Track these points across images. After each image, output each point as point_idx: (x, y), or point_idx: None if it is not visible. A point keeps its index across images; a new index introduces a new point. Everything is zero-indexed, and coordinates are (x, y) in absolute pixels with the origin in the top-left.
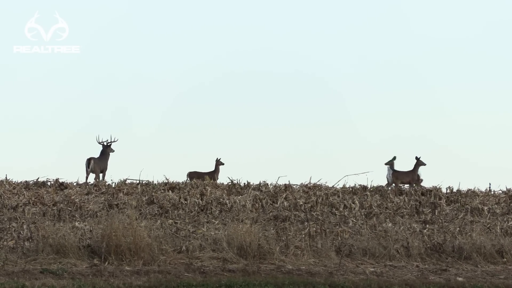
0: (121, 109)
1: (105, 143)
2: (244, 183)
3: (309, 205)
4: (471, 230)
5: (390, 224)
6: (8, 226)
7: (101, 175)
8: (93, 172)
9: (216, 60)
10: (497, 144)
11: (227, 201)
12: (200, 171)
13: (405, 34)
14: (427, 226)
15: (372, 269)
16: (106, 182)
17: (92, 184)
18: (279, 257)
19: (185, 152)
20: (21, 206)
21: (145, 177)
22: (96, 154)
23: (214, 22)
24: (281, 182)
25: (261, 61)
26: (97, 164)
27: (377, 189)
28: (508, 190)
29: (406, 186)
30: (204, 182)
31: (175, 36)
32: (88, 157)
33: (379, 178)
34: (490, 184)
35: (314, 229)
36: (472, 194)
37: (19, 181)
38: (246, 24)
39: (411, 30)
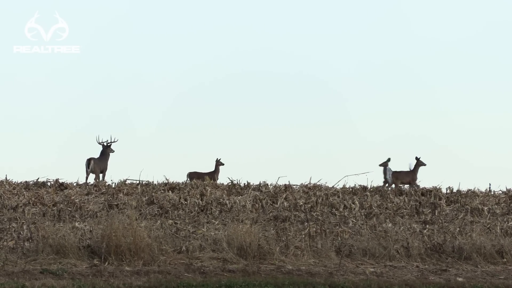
0: (121, 109)
1: (105, 144)
2: (244, 184)
3: (309, 205)
4: (471, 230)
5: (390, 225)
6: (8, 227)
7: (101, 175)
8: (93, 173)
9: (216, 60)
10: (497, 144)
11: (227, 202)
12: (200, 171)
13: (405, 35)
14: (427, 226)
15: (372, 269)
16: (106, 182)
17: (92, 185)
18: (279, 258)
19: (185, 152)
20: (21, 206)
21: (145, 178)
22: (96, 154)
23: (214, 22)
24: (281, 182)
25: (261, 61)
26: (97, 165)
27: (377, 189)
28: (508, 190)
29: (406, 186)
30: (204, 182)
31: (175, 36)
32: (88, 158)
33: (379, 178)
34: (490, 184)
35: (314, 229)
36: (472, 194)
37: (19, 182)
38: (246, 24)
39: (411, 30)
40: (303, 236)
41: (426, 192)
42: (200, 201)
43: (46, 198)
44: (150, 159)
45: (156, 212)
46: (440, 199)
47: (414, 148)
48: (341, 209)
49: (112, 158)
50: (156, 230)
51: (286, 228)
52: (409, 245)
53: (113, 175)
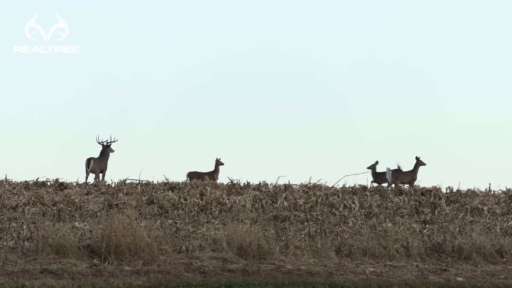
0: (121, 109)
1: (105, 143)
2: (244, 183)
3: (309, 205)
4: (471, 230)
5: (390, 224)
6: (8, 226)
7: (101, 175)
8: (93, 172)
9: (216, 60)
10: (497, 144)
11: (227, 201)
12: (200, 171)
13: (405, 35)
14: (427, 226)
15: (372, 269)
16: (106, 182)
17: (92, 184)
18: (279, 257)
19: (185, 152)
20: (21, 206)
21: (145, 177)
22: (96, 154)
23: (214, 22)
24: (281, 182)
25: (261, 61)
26: (97, 164)
27: (377, 189)
28: (508, 190)
29: (406, 186)
30: (204, 182)
31: (175, 36)
32: (88, 157)
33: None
34: (490, 184)
35: (314, 229)
36: (472, 194)
37: (19, 181)
38: (246, 24)
39: (411, 31)
40: (303, 235)
41: (426, 192)
42: (200, 201)
43: (46, 198)
44: (150, 158)
45: (156, 211)
46: (440, 198)
47: (414, 148)
48: (341, 209)
49: (112, 158)
50: (156, 230)
51: (286, 227)
52: (409, 245)
53: (113, 174)
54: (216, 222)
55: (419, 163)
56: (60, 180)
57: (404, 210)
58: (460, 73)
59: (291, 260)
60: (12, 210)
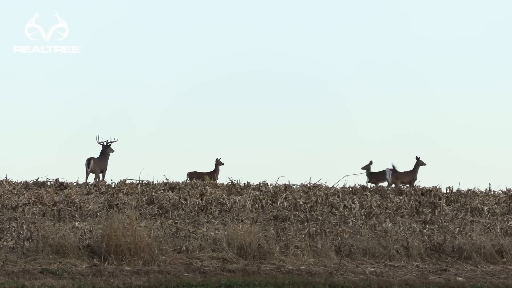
0: (121, 109)
1: (105, 143)
2: (244, 183)
3: (309, 205)
4: (471, 230)
5: (390, 224)
6: (8, 226)
7: (101, 175)
8: (93, 172)
9: (216, 60)
10: (497, 144)
11: (227, 201)
12: (200, 171)
13: (404, 35)
14: (427, 226)
15: (372, 269)
16: (106, 182)
17: (92, 184)
18: (279, 257)
19: (185, 152)
20: (21, 206)
21: (145, 177)
22: (96, 154)
23: (214, 22)
24: (281, 182)
25: (261, 61)
26: (97, 164)
27: (377, 189)
28: (508, 190)
29: (406, 186)
30: (204, 182)
31: (175, 36)
32: (88, 157)
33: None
34: (490, 184)
35: (314, 229)
36: (472, 194)
37: (19, 181)
38: (246, 25)
39: (410, 31)
40: (303, 236)
41: (426, 192)
42: (200, 201)
43: (46, 198)
44: (150, 159)
45: (156, 211)
46: (440, 198)
47: (414, 148)
48: (341, 209)
49: (112, 158)
50: (156, 230)
51: (286, 228)
52: (409, 245)
53: (113, 175)
54: (216, 222)
55: (419, 163)
56: (60, 180)
57: (404, 210)
58: (460, 73)
59: (291, 260)
60: (12, 210)
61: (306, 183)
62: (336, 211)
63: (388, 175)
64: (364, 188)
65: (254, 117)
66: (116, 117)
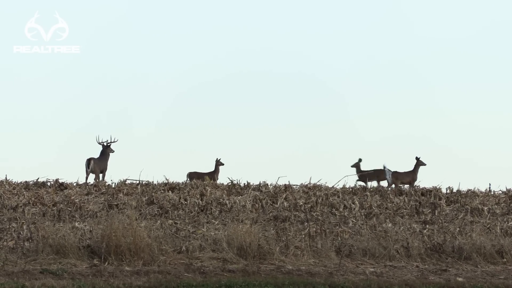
0: (120, 109)
1: (105, 144)
2: (244, 183)
3: (309, 205)
4: (471, 230)
5: (390, 225)
6: (8, 227)
7: (101, 175)
8: (93, 173)
9: (216, 60)
10: (497, 144)
11: (227, 202)
12: (200, 171)
13: (405, 35)
14: (427, 226)
15: (372, 269)
16: (106, 182)
17: (92, 185)
18: (279, 257)
19: (185, 152)
20: (21, 206)
21: (145, 178)
22: (96, 154)
23: (214, 22)
24: (281, 182)
25: (261, 61)
26: (97, 165)
27: (377, 190)
28: (508, 190)
29: (406, 186)
30: (204, 182)
31: (175, 36)
32: (88, 157)
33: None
34: (490, 184)
35: (314, 229)
36: (472, 194)
37: (19, 181)
38: (246, 24)
39: (411, 30)
40: (303, 236)
41: (426, 192)
42: (200, 201)
43: (46, 198)
44: (150, 159)
45: (156, 212)
46: (440, 199)
47: (414, 148)
48: (341, 209)
49: (112, 158)
50: (156, 230)
51: (286, 228)
52: (409, 245)
53: (113, 175)
54: (216, 222)
55: (419, 163)
56: (60, 180)
57: (404, 210)
58: (460, 73)
59: (291, 261)
60: (12, 210)
61: (306, 183)
62: (336, 212)
63: (388, 176)
64: (364, 188)
65: (254, 117)
66: (116, 117)
